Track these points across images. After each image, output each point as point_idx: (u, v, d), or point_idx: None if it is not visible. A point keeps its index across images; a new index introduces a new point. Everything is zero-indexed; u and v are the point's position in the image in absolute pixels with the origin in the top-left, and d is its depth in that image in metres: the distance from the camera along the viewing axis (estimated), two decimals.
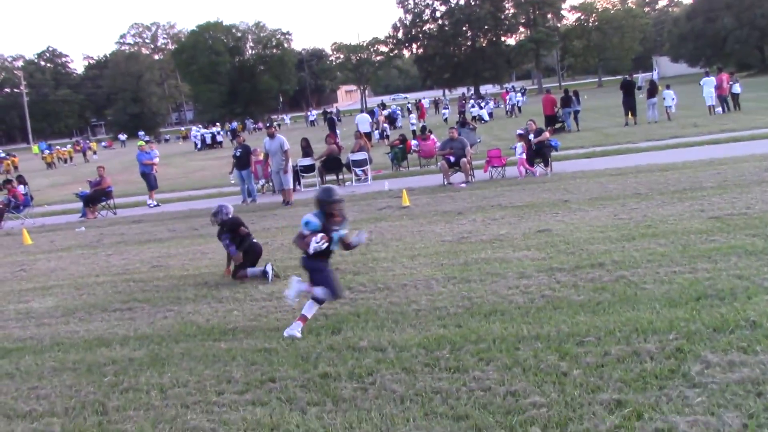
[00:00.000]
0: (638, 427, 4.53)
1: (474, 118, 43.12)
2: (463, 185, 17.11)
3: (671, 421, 4.53)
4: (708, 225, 9.90)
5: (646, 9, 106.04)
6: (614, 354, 5.72)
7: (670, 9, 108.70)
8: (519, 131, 18.66)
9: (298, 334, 7.04)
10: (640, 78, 41.30)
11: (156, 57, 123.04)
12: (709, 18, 78.60)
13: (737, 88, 31.14)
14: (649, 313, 6.58)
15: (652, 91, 30.81)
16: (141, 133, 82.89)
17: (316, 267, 7.22)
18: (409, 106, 58.52)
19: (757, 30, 75.36)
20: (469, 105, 52.43)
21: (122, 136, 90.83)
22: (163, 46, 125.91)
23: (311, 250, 6.96)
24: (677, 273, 7.72)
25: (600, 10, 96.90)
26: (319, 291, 7.14)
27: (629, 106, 29.71)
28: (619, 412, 4.74)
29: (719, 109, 29.90)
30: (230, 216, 10.28)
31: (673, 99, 30.09)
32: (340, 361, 6.28)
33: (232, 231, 10.14)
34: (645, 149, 20.19)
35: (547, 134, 18.65)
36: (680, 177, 14.45)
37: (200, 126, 75.09)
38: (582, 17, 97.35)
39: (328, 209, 7.14)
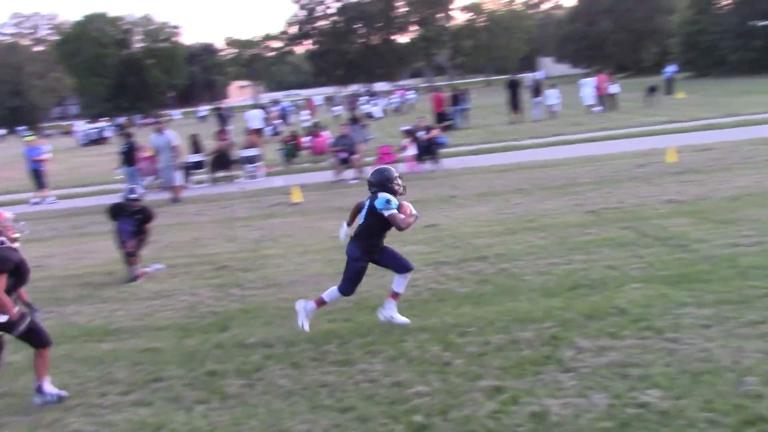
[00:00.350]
0: (515, 411, 4.77)
1: (366, 115, 43.41)
2: (354, 181, 17.25)
3: (545, 404, 4.80)
4: (584, 219, 10.42)
5: (532, 11, 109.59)
6: (495, 343, 5.98)
7: (553, 12, 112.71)
8: (405, 128, 19.06)
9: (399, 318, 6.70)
10: (529, 77, 42.86)
11: (38, 48, 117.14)
12: (589, 21, 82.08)
13: (615, 89, 32.75)
14: (528, 303, 6.90)
15: (537, 90, 31.98)
16: (22, 128, 78.73)
17: (359, 257, 6.79)
18: (300, 102, 58.29)
19: (634, 34, 79.34)
20: (361, 102, 52.70)
21: (1, 131, 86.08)
22: (46, 38, 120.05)
23: (413, 220, 6.73)
24: (555, 264, 8.11)
25: (488, 11, 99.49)
26: (336, 290, 6.82)
27: (515, 104, 30.71)
28: (498, 398, 4.97)
29: (598, 108, 31.34)
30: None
31: (557, 98, 31.30)
32: (227, 358, 6.26)
33: (143, 221, 9.79)
34: (529, 146, 20.94)
35: (436, 131, 19.06)
36: (560, 173, 15.09)
37: (86, 121, 72.07)
38: (471, 17, 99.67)
39: (391, 187, 6.75)
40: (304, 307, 6.81)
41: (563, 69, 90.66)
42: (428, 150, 18.23)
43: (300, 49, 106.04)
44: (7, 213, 5.71)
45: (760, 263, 7.28)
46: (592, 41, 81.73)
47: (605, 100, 32.05)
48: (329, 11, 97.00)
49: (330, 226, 12.05)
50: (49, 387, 5.68)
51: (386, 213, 6.50)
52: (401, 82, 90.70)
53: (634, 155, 16.58)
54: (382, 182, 6.73)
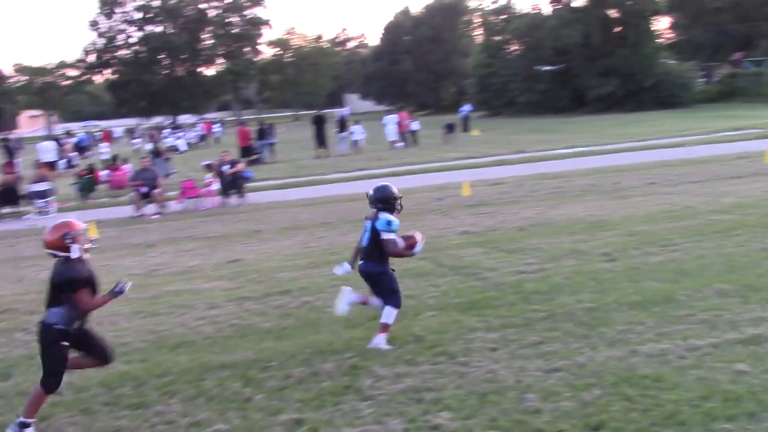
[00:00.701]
0: None
1: (170, 148, 42.20)
2: (156, 216, 16.69)
3: None
4: None
5: (338, 48, 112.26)
6: (296, 376, 6.00)
7: (359, 50, 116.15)
8: (205, 163, 18.89)
9: (386, 347, 6.43)
10: (336, 113, 43.91)
11: None
12: (392, 60, 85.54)
13: (416, 126, 34.32)
14: (330, 334, 6.99)
15: (342, 125, 32.76)
16: None
17: (386, 271, 6.70)
18: (98, 134, 55.58)
19: (433, 74, 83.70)
20: (165, 135, 51.20)
21: None
22: None
23: (418, 251, 6.71)
24: None
25: (295, 47, 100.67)
26: (390, 308, 6.56)
27: (321, 139, 31.25)
28: (297, 431, 4.99)
29: (400, 144, 32.63)
30: None
31: (361, 134, 32.22)
32: (9, 409, 5.79)
33: None
34: (335, 180, 21.34)
35: (241, 165, 18.92)
36: (365, 207, 15.39)
37: None
38: (279, 53, 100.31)
39: (393, 205, 6.64)
40: (348, 296, 6.76)
41: (368, 106, 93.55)
42: (233, 184, 18.04)
43: (99, 79, 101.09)
44: (82, 224, 5.46)
45: (541, 288, 7.89)
46: (394, 80, 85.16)
47: (407, 136, 33.48)
48: (131, 40, 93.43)
49: (129, 263, 11.56)
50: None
51: (384, 235, 6.50)
52: (208, 115, 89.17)
53: (433, 189, 17.42)
54: (384, 199, 6.67)
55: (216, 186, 18.00)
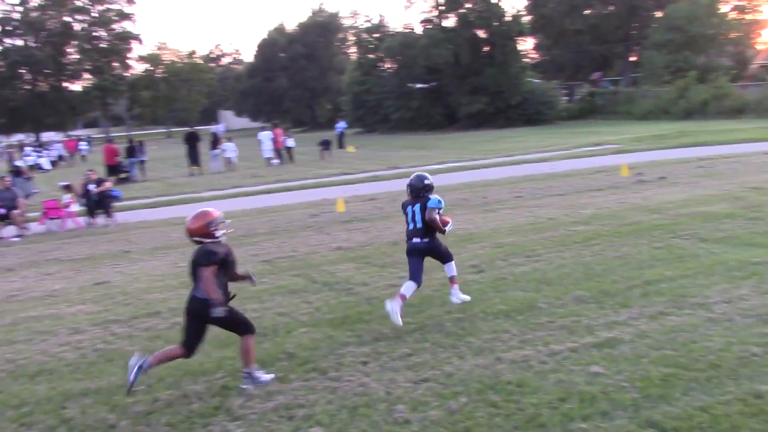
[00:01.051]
0: None
1: (33, 166, 40.12)
2: (16, 239, 15.81)
3: None
4: (260, 268, 10.65)
5: (212, 64, 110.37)
6: (164, 399, 5.85)
7: (234, 66, 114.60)
8: (63, 183, 18.20)
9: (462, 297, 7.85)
10: (213, 130, 43.02)
11: None
12: (267, 77, 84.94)
13: (291, 142, 34.23)
14: (201, 355, 6.82)
15: (215, 143, 32.21)
16: None
17: (438, 241, 7.75)
18: None
19: (309, 91, 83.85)
20: (27, 153, 48.60)
21: None
22: None
23: (449, 229, 7.56)
24: None
25: (167, 62, 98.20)
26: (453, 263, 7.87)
27: (193, 157, 30.63)
28: None
29: (275, 161, 32.44)
30: None
31: (234, 151, 31.78)
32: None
33: None
34: (208, 198, 20.94)
35: (108, 184, 18.26)
36: (239, 224, 15.27)
37: None
38: (150, 68, 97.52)
39: (431, 190, 7.69)
40: (392, 306, 7.17)
41: (244, 122, 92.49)
42: (100, 204, 17.36)
43: None
44: (218, 212, 6.08)
45: (411, 301, 7.98)
46: (270, 96, 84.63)
47: (283, 153, 33.34)
48: None
49: None
50: (257, 372, 5.99)
51: (435, 212, 7.48)
52: (75, 132, 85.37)
53: (308, 206, 17.43)
54: (425, 187, 7.68)
55: (76, 207, 17.28)
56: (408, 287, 7.42)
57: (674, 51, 49.20)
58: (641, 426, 4.77)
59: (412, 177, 7.90)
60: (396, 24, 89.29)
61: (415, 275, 7.53)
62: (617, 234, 10.97)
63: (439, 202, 7.53)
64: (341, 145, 40.09)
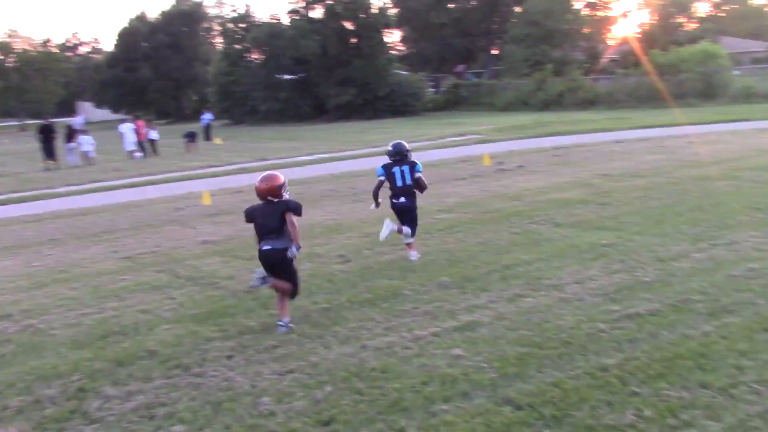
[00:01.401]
0: None
1: None
2: None
3: None
4: (120, 265, 10.29)
5: (69, 53, 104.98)
6: (14, 406, 5.55)
7: (92, 56, 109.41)
8: None
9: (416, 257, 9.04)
10: (70, 122, 40.67)
11: None
12: (128, 67, 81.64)
13: (155, 135, 33.10)
14: (55, 357, 6.55)
15: (71, 135, 30.61)
16: None
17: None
18: None
19: (173, 81, 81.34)
20: None
21: None
22: None
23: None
24: (86, 315, 7.84)
25: (19, 51, 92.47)
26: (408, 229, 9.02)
27: (48, 150, 29.06)
28: None
29: (138, 154, 31.30)
30: None
31: (91, 144, 30.34)
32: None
33: None
34: (65, 194, 19.93)
35: None
36: (98, 220, 14.69)
37: None
38: (0, 57, 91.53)
39: (408, 155, 9.14)
40: (391, 226, 8.90)
41: (104, 114, 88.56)
42: None
43: None
44: (283, 177, 6.90)
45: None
46: (132, 87, 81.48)
47: (146, 145, 32.20)
48: None
49: None
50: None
51: (420, 174, 8.95)
52: None
53: (172, 199, 16.95)
54: (404, 151, 9.04)
55: None
56: (396, 226, 8.97)
57: (532, 45, 51.39)
58: (498, 404, 4.97)
59: (394, 144, 9.17)
60: (262, 14, 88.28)
61: (402, 222, 9.05)
62: (479, 221, 11.36)
63: (416, 166, 8.99)
64: (208, 137, 39.20)
